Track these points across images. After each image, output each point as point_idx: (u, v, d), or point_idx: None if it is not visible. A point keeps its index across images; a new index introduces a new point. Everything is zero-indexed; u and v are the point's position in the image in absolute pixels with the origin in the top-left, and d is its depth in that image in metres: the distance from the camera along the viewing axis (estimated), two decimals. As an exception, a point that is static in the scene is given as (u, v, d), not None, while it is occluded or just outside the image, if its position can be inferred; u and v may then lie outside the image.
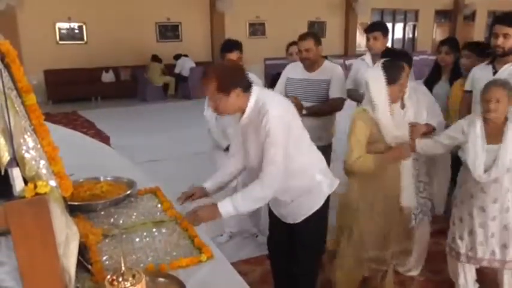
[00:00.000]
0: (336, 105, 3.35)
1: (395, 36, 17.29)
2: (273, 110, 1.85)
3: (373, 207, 2.47)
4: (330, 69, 3.35)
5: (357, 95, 3.61)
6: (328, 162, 3.54)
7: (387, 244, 2.52)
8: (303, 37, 3.30)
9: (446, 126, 3.47)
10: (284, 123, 1.88)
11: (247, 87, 1.88)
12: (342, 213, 2.62)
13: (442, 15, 18.41)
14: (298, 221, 2.18)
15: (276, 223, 2.39)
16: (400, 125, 2.42)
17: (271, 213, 2.40)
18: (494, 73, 2.74)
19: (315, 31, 15.10)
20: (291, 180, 2.00)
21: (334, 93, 3.29)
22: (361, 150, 2.35)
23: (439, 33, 18.19)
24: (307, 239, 2.25)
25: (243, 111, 1.91)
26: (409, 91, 2.58)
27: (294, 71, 3.40)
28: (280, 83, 3.49)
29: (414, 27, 17.97)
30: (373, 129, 2.34)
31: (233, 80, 1.85)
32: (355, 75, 3.66)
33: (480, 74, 2.85)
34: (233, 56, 3.18)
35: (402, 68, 2.39)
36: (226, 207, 1.84)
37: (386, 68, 2.32)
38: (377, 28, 3.51)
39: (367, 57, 3.62)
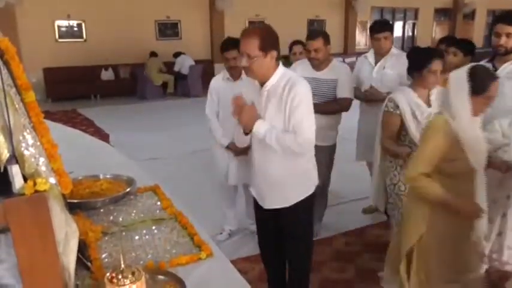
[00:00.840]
0: (344, 105, 3.35)
1: (394, 35, 17.24)
2: (302, 87, 2.05)
3: (444, 234, 2.11)
4: (338, 69, 3.35)
5: (358, 94, 3.62)
6: (332, 162, 3.57)
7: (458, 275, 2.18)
8: (312, 36, 3.25)
9: None
10: (309, 101, 2.09)
11: (279, 55, 2.06)
12: (407, 236, 2.22)
13: (441, 13, 18.41)
14: (286, 205, 2.25)
15: (263, 221, 2.43)
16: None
17: (258, 212, 2.43)
18: (494, 71, 2.74)
19: (314, 29, 15.12)
20: (297, 155, 2.15)
21: (342, 93, 3.29)
22: (428, 166, 2.01)
23: (438, 32, 18.18)
24: (295, 229, 2.33)
25: (264, 80, 2.08)
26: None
27: (303, 69, 3.33)
28: None
29: (414, 25, 17.96)
30: (454, 144, 1.97)
31: (273, 42, 2.02)
32: (357, 74, 3.67)
33: None
34: (232, 54, 3.12)
35: (492, 77, 2.00)
36: (260, 127, 2.06)
37: (472, 75, 1.95)
38: (387, 28, 3.49)
39: (370, 56, 3.60)
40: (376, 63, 3.53)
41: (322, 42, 3.17)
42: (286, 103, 2.04)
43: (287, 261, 2.51)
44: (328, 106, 3.25)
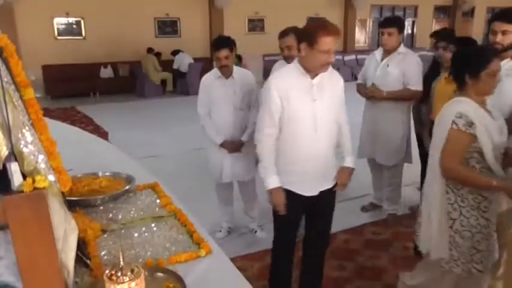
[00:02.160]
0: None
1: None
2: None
3: None
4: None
5: (362, 91, 3.68)
6: None
7: None
8: (284, 33, 3.10)
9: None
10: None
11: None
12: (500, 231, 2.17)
13: (441, 11, 18.39)
14: (330, 186, 2.39)
15: (295, 212, 2.44)
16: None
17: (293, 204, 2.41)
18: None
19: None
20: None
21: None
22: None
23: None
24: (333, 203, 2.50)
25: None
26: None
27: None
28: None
29: (413, 23, 17.94)
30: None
31: (303, 37, 2.18)
32: (364, 70, 3.71)
33: None
34: (223, 53, 3.08)
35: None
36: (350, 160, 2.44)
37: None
38: (392, 24, 3.46)
39: (378, 53, 3.60)
40: (382, 60, 3.53)
41: (294, 39, 2.91)
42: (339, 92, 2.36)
43: (306, 259, 2.61)
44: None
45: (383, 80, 3.48)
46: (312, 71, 2.18)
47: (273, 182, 2.28)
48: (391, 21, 3.51)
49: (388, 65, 3.47)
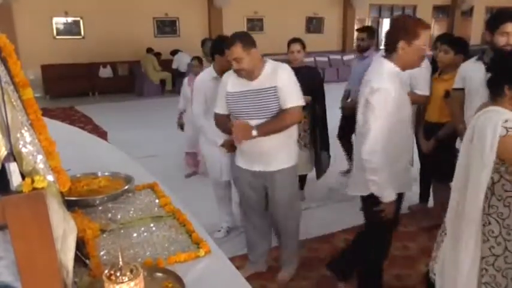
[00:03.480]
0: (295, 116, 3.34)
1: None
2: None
3: None
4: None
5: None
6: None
7: None
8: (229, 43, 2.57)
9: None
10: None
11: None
12: None
13: (440, 10, 18.40)
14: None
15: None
16: None
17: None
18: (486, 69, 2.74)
19: (313, 27, 15.10)
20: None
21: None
22: None
23: (436, 29, 18.17)
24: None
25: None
26: None
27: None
28: None
29: (412, 23, 17.93)
30: None
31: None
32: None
33: (472, 73, 2.82)
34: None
35: None
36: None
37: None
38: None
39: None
40: None
41: (241, 48, 2.40)
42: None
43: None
44: (278, 121, 2.50)
45: None
46: (405, 68, 2.22)
47: (391, 194, 2.24)
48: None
49: None
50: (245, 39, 2.41)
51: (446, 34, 3.98)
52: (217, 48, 3.06)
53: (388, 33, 2.22)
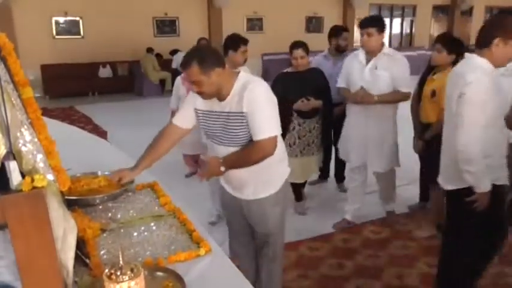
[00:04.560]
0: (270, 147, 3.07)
1: (392, 32, 17.28)
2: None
3: None
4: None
5: (348, 95, 3.45)
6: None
7: None
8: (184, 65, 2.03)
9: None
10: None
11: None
12: None
13: (439, 10, 18.40)
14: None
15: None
16: None
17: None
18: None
19: (313, 27, 15.10)
20: None
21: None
22: None
23: (436, 29, 18.19)
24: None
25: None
26: None
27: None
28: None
29: (412, 22, 17.95)
30: None
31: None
32: (347, 73, 3.45)
33: None
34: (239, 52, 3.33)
35: None
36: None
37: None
38: (371, 24, 3.22)
39: (361, 54, 3.33)
40: (367, 62, 3.30)
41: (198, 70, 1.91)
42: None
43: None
44: (245, 155, 2.05)
45: (374, 84, 3.26)
46: (497, 66, 2.21)
47: (486, 185, 2.21)
48: (369, 21, 3.26)
49: (376, 67, 3.27)
50: (205, 58, 1.89)
51: (445, 34, 3.95)
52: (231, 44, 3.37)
53: (484, 28, 2.23)
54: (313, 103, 3.54)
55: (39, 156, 1.11)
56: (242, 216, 2.31)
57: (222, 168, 2.01)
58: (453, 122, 2.25)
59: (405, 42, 17.79)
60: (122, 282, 1.08)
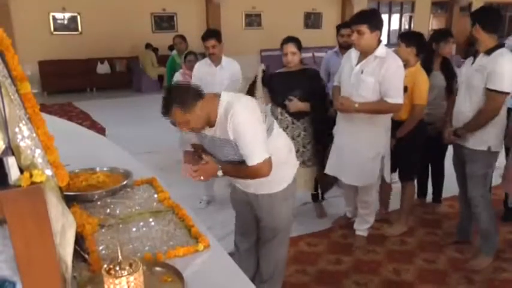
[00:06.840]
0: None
1: (391, 28, 17.26)
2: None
3: None
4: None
5: (336, 96, 3.07)
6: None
7: None
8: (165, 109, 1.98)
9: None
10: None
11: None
12: None
13: (438, 6, 18.37)
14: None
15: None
16: None
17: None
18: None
19: (311, 22, 15.06)
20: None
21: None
22: None
23: (435, 25, 18.15)
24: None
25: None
26: None
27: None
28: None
29: (410, 18, 17.92)
30: None
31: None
32: (340, 72, 3.12)
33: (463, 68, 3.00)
34: (210, 43, 3.62)
35: None
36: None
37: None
38: (361, 20, 2.79)
39: (354, 53, 2.95)
40: (358, 63, 2.91)
41: (180, 112, 1.88)
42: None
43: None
44: (242, 172, 2.06)
45: (357, 89, 2.86)
46: None
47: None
48: (359, 18, 2.81)
49: (362, 72, 2.85)
50: (183, 99, 1.84)
51: (406, 31, 3.94)
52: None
53: None
54: (300, 105, 3.29)
55: (38, 152, 1.10)
56: (251, 211, 2.36)
57: (220, 173, 2.04)
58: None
59: (404, 39, 17.76)
60: (120, 277, 1.08)
